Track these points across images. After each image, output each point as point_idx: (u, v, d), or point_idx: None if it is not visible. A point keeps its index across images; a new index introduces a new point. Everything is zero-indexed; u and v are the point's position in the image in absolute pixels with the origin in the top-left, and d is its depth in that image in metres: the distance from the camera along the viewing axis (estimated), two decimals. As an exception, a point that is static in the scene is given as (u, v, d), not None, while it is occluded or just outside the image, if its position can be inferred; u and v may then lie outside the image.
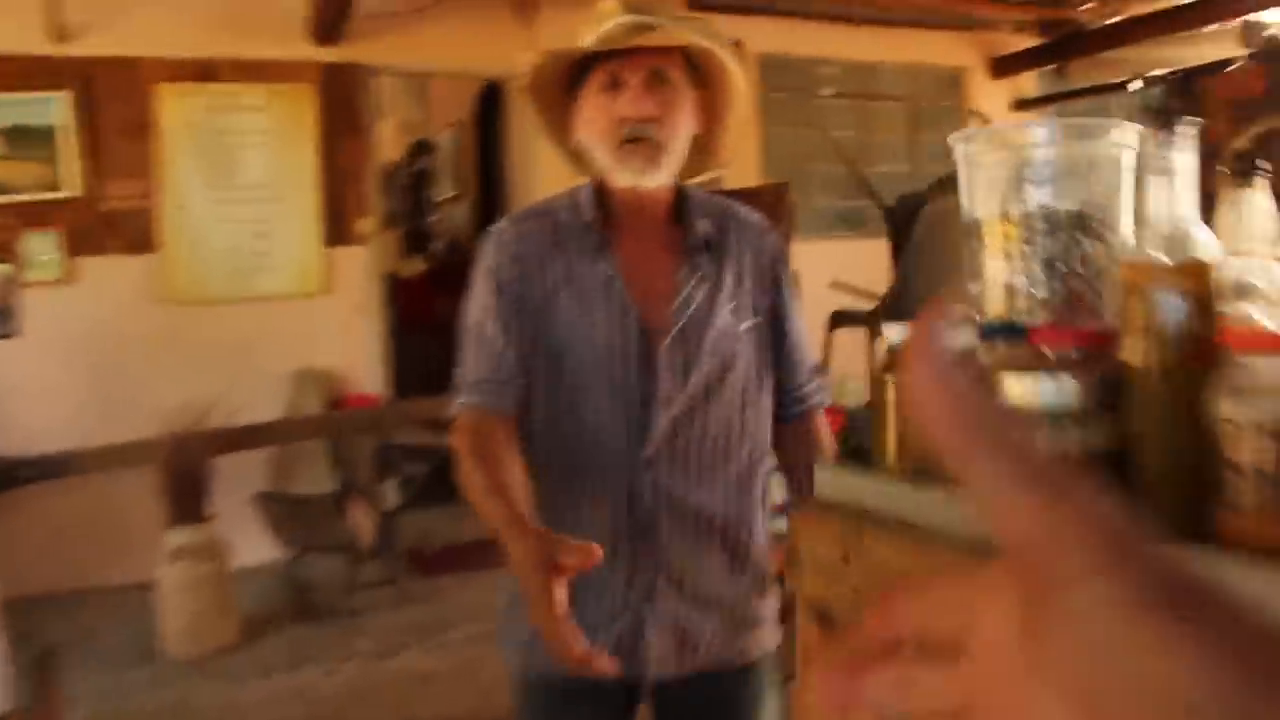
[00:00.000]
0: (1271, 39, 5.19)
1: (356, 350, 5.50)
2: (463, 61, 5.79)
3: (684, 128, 1.63)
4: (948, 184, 3.09)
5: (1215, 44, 5.73)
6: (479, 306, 1.64)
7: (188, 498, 4.26)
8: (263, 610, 4.55)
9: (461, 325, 1.67)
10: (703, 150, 1.72)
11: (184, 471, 4.27)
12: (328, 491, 4.95)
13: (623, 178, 1.61)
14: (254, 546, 4.73)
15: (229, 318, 5.24)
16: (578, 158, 1.74)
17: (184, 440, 4.29)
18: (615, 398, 1.59)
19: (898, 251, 2.89)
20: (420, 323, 6.41)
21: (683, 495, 1.60)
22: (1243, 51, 5.33)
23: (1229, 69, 5.24)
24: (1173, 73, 5.73)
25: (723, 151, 1.77)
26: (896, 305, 2.74)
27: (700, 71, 1.65)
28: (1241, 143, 5.54)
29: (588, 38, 1.61)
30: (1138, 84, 5.84)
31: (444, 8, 5.46)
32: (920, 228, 2.62)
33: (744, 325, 1.68)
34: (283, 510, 4.85)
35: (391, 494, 4.90)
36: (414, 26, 5.50)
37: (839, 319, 2.98)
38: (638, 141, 1.58)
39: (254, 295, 5.30)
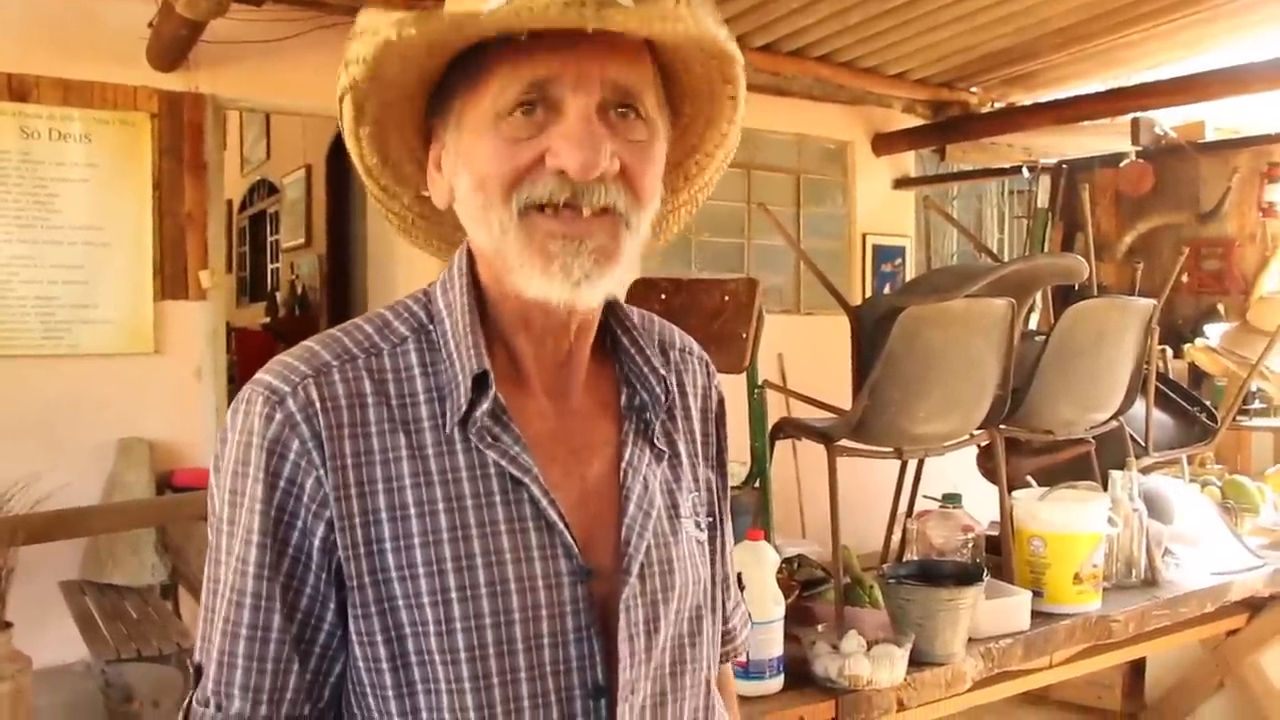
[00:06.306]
0: (1162, 137, 5.22)
1: (191, 419, 4.86)
2: (321, 101, 5.26)
3: (658, 196, 0.93)
4: (923, 286, 2.80)
5: (1101, 137, 5.76)
6: (237, 561, 0.88)
7: (-19, 601, 3.58)
8: (69, 726, 3.87)
9: (208, 566, 0.93)
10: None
11: (-22, 569, 3.58)
12: (154, 583, 4.29)
13: (541, 285, 0.87)
14: (61, 643, 4.04)
15: (40, 378, 4.52)
16: (427, 229, 1.04)
17: (-19, 531, 3.60)
18: (536, 701, 0.90)
19: (862, 360, 2.58)
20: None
21: None
22: (1130, 147, 5.35)
23: (1121, 164, 5.24)
24: (1061, 163, 5.72)
25: (675, 219, 1.11)
26: (865, 422, 2.43)
27: (673, 88, 0.95)
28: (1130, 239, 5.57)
29: (481, 3, 0.81)
30: (1027, 172, 5.82)
31: (305, 41, 4.95)
32: (897, 336, 2.33)
33: (704, 534, 1.06)
34: (97, 603, 4.18)
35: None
36: (267, 59, 4.94)
37: (785, 429, 2.62)
38: (581, 217, 0.86)
39: (71, 353, 4.60)
